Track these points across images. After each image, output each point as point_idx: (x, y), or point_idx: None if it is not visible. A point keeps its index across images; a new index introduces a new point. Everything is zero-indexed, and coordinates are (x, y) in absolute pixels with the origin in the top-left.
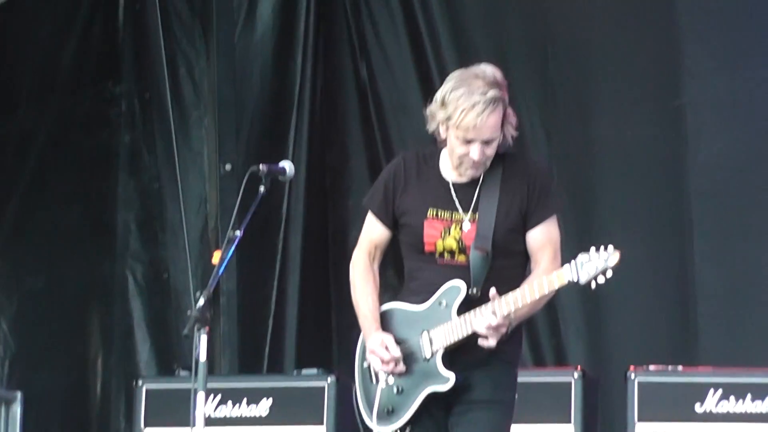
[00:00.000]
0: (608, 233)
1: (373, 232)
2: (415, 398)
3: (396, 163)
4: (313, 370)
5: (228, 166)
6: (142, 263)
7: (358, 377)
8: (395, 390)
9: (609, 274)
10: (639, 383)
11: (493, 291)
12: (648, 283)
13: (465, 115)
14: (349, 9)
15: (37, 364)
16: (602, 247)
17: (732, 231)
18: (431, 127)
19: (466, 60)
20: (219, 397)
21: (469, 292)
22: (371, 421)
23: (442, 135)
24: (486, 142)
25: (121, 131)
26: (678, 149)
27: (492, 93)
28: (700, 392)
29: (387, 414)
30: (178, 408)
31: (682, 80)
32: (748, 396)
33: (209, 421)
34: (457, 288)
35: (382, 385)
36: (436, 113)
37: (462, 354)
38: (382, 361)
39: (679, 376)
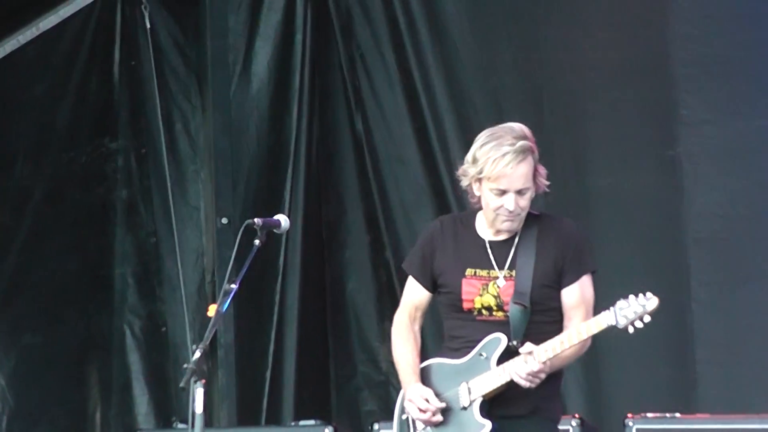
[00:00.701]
0: (605, 282)
1: (413, 294)
2: None
3: (433, 227)
4: (311, 421)
5: (224, 220)
6: (139, 317)
7: (397, 429)
8: None
9: (647, 319)
10: (637, 431)
11: (528, 344)
12: (646, 331)
13: (496, 165)
14: (343, 62)
15: (35, 419)
16: (641, 294)
17: (729, 278)
18: (464, 185)
19: (461, 112)
20: None
21: (510, 344)
22: None
23: (476, 193)
24: (519, 192)
25: (117, 186)
26: (674, 198)
27: (521, 144)
28: None
29: None
30: None
31: (678, 130)
32: None
33: None
34: (497, 339)
35: None
36: (468, 171)
37: (501, 406)
38: (419, 410)
39: (677, 423)
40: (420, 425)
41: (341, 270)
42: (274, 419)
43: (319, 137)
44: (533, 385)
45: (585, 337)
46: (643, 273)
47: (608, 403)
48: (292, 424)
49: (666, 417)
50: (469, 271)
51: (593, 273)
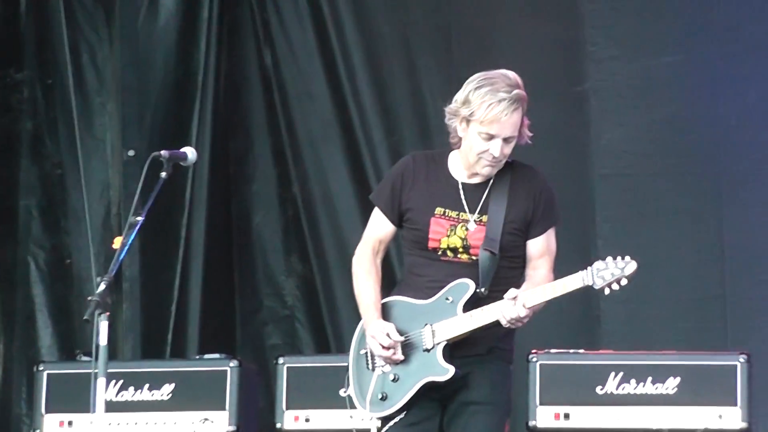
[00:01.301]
0: None
1: (378, 227)
2: (411, 387)
3: (405, 162)
4: (216, 355)
5: (131, 152)
6: (44, 249)
7: (353, 364)
8: (391, 378)
9: (624, 282)
10: (540, 366)
11: (513, 290)
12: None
13: (491, 110)
14: None
15: None
16: (619, 257)
17: (634, 215)
18: (449, 123)
19: (371, 47)
20: (121, 382)
21: (477, 291)
22: (363, 407)
23: (460, 133)
24: (506, 140)
25: (23, 118)
26: (581, 134)
27: (516, 92)
28: (601, 375)
29: (380, 400)
30: (80, 393)
31: (585, 66)
32: (649, 379)
33: (110, 406)
34: (465, 285)
35: (378, 372)
36: (456, 111)
37: (460, 348)
38: (382, 347)
39: (580, 358)
40: (380, 362)
41: (248, 204)
42: (179, 353)
43: (227, 71)
44: (514, 327)
45: (560, 294)
46: None
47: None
48: (197, 357)
49: (570, 353)
50: (438, 210)
51: (558, 226)
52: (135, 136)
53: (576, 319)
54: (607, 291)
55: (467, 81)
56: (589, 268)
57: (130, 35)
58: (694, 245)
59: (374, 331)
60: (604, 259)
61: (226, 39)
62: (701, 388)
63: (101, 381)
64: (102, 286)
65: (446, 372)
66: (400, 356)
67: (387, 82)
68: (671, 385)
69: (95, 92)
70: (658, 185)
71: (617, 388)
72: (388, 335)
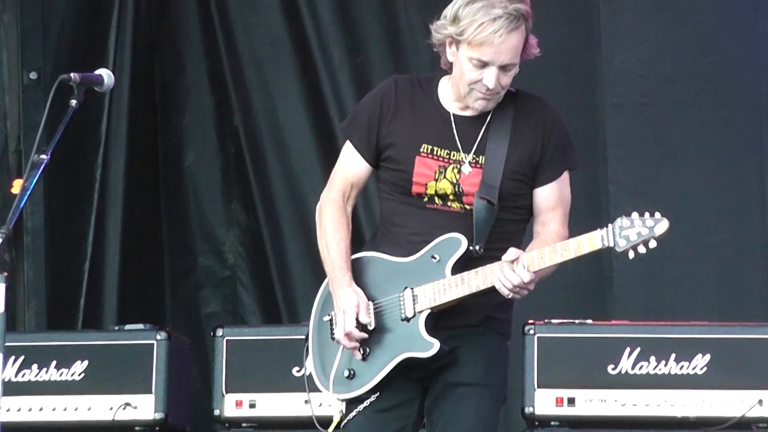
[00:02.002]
0: None
1: (350, 167)
2: (385, 363)
3: (385, 87)
4: (140, 326)
5: (33, 75)
6: None
7: (314, 331)
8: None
9: (652, 245)
10: (539, 340)
11: (513, 249)
12: None
13: (482, 30)
14: None
15: None
16: (647, 213)
17: (655, 154)
18: (435, 42)
19: None
20: (22, 358)
21: (471, 248)
22: (325, 387)
23: (449, 57)
24: (503, 68)
25: None
26: (589, 53)
27: (516, 7)
28: (613, 351)
29: (347, 378)
30: None
31: None
32: (672, 356)
33: (9, 388)
34: (456, 241)
35: None
36: (443, 29)
37: (448, 318)
38: (348, 330)
39: (587, 331)
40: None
41: (178, 139)
42: (93, 323)
43: None
44: (517, 296)
45: (572, 256)
46: None
47: None
48: (116, 328)
49: (575, 323)
50: (425, 148)
51: (574, 170)
52: (38, 54)
53: (583, 282)
54: (631, 254)
55: None
56: (610, 225)
57: None
58: (729, 192)
59: (345, 305)
60: (627, 214)
61: None
62: (737, 368)
63: None
64: None
65: (429, 347)
66: (371, 325)
67: None
68: (700, 363)
69: None
70: (685, 117)
71: (633, 368)
72: (366, 314)
